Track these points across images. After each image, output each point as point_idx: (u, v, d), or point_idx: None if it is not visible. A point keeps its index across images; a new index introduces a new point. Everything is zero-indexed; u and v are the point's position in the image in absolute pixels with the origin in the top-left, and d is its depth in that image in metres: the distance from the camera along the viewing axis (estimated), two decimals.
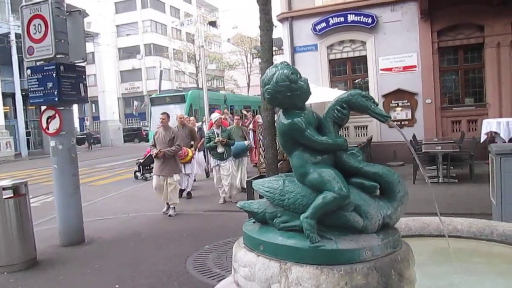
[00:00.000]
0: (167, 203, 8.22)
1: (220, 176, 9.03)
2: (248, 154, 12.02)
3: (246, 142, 10.17)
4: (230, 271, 3.12)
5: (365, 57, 13.19)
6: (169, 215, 7.97)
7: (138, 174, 13.41)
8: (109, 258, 5.66)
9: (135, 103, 50.26)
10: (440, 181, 9.17)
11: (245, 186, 8.99)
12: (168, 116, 8.48)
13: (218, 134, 8.87)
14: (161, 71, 34.31)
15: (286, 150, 2.58)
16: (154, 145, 8.12)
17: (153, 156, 8.01)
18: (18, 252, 5.40)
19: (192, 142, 10.24)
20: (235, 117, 11.29)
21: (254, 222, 2.77)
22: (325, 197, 2.25)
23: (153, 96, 24.95)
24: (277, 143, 7.50)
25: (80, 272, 5.16)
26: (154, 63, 48.94)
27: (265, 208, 2.58)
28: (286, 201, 2.43)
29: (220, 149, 8.82)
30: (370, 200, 2.38)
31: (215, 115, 9.74)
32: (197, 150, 10.77)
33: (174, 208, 8.14)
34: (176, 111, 16.75)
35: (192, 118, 13.02)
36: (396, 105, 12.72)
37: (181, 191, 9.58)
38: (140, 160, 13.37)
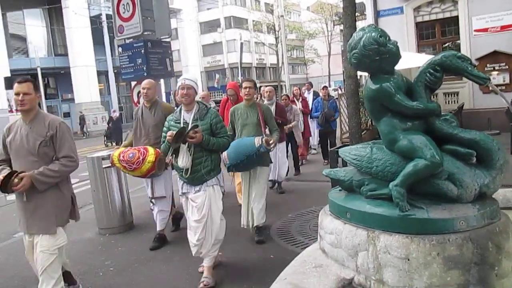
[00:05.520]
0: None
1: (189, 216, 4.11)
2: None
3: (256, 140, 4.66)
4: (313, 240, 3.15)
5: (456, 18, 12.18)
6: None
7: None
8: None
9: (217, 76, 51.44)
10: None
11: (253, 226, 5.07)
12: (32, 85, 3.36)
13: (187, 123, 3.92)
14: (241, 44, 34.58)
15: (373, 117, 2.51)
16: (5, 160, 3.49)
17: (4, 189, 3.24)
18: (117, 216, 5.91)
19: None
20: (245, 84, 5.18)
21: (340, 190, 2.76)
22: (416, 164, 2.17)
23: None
24: (360, 112, 7.32)
25: (170, 236, 5.50)
26: (234, 36, 49.43)
27: (352, 175, 2.56)
28: (374, 169, 2.38)
29: (182, 160, 3.83)
30: (465, 168, 2.27)
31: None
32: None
33: None
34: None
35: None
36: (492, 68, 11.69)
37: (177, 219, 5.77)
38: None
